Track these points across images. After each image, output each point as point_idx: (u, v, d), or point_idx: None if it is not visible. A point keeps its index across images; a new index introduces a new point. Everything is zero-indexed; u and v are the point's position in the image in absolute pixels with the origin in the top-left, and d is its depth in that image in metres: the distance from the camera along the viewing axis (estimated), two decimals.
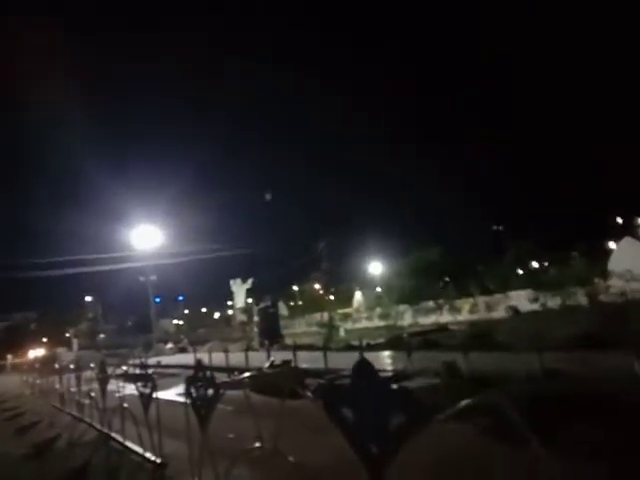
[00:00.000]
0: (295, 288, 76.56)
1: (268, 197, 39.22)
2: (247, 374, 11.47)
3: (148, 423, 6.59)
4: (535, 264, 43.17)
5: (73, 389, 11.59)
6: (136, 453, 7.07)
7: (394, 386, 2.19)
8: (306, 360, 14.73)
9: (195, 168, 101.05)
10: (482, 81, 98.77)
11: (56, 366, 12.15)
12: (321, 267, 54.80)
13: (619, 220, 44.25)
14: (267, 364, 12.66)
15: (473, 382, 8.76)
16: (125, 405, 7.65)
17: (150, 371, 21.84)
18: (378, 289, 57.63)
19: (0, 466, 7.31)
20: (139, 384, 7.01)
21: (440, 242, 41.45)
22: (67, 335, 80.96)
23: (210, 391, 4.91)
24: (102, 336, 78.78)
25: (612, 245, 37.38)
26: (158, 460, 6.31)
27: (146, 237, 39.82)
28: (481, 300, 39.87)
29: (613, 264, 30.51)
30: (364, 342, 21.65)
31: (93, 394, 9.54)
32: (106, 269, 41.30)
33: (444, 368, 9.43)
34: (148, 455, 6.64)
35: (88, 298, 78.14)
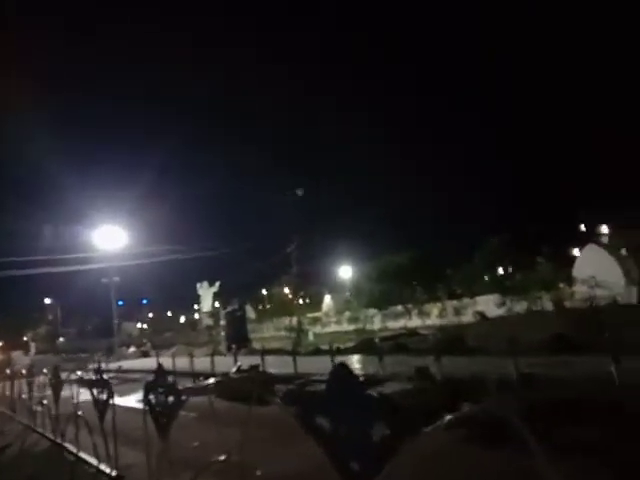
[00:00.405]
0: (264, 292, 75.78)
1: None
2: (212, 380, 11.00)
3: (104, 432, 6.10)
4: (501, 270, 43.95)
5: (24, 395, 10.85)
6: (90, 464, 6.54)
7: (376, 395, 1.97)
8: (274, 365, 14.32)
9: (160, 167, 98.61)
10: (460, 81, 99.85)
11: (7, 371, 11.37)
12: (291, 270, 54.31)
13: (582, 227, 45.45)
14: (234, 369, 12.19)
15: (445, 387, 8.58)
16: (79, 413, 7.09)
17: (110, 376, 20.92)
18: (347, 293, 57.58)
19: None
20: (95, 390, 6.49)
21: (411, 245, 41.72)
22: (25, 339, 77.86)
23: (171, 398, 4.49)
24: (62, 340, 76.00)
25: (576, 252, 38.32)
26: (114, 473, 5.82)
27: (109, 237, 38.56)
28: (449, 305, 40.24)
29: (577, 270, 31.24)
30: (334, 346, 21.43)
31: (45, 401, 8.90)
32: (67, 270, 39.66)
33: (416, 373, 9.20)
34: (103, 467, 6.13)
35: (47, 300, 75.29)
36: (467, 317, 35.95)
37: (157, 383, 4.78)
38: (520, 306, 32.27)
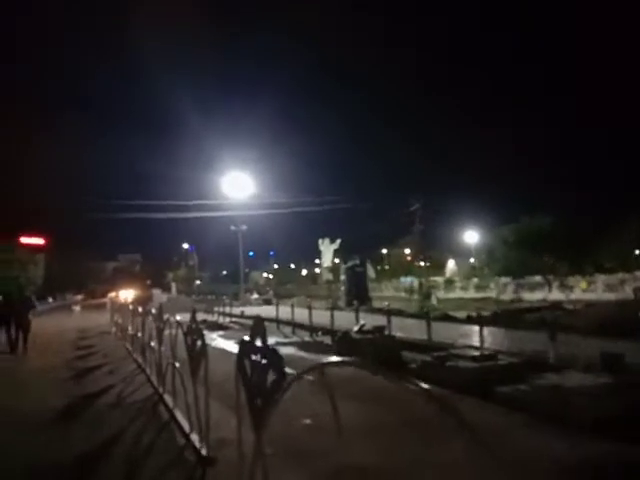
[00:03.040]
0: (384, 251, 74.25)
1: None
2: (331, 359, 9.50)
3: (196, 392, 4.81)
4: None
5: (141, 334, 10.39)
6: (181, 429, 5.38)
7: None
8: (400, 328, 12.52)
9: (289, 115, 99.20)
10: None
11: (140, 309, 11.19)
12: (413, 230, 51.77)
13: None
14: (356, 328, 10.66)
15: None
16: (177, 364, 5.96)
17: (232, 320, 20.52)
18: (472, 260, 53.51)
19: (21, 429, 5.97)
20: (188, 339, 5.22)
21: (549, 212, 36.51)
22: (167, 280, 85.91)
23: (272, 375, 2.84)
24: (198, 282, 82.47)
25: None
26: (203, 451, 4.49)
27: (238, 185, 39.24)
28: (599, 279, 34.95)
29: None
30: (464, 314, 19.02)
31: (153, 343, 8.09)
32: (200, 216, 41.47)
33: (603, 360, 6.74)
34: (193, 438, 4.88)
35: (185, 245, 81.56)
36: (620, 294, 30.74)
37: (255, 346, 3.15)
38: None
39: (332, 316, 13.98)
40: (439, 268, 58.84)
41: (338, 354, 10.42)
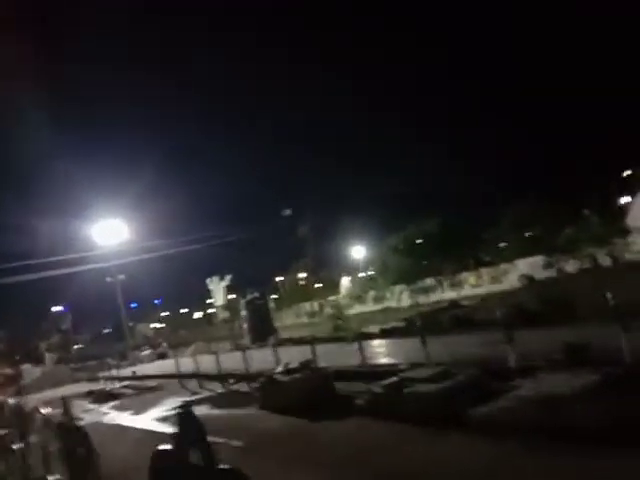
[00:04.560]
0: (279, 279, 73.13)
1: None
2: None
3: None
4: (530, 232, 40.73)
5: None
6: None
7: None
8: (324, 356, 11.18)
9: (160, 156, 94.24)
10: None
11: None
12: (307, 253, 51.46)
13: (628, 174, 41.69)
14: (279, 368, 9.07)
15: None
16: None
17: (123, 384, 17.48)
18: (362, 274, 54.49)
19: None
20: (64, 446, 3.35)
21: (434, 214, 38.15)
22: (40, 351, 75.52)
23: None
24: (76, 347, 73.60)
25: (624, 200, 34.84)
26: None
27: (110, 232, 35.42)
28: (485, 272, 37.02)
29: (633, 219, 27.88)
30: (376, 328, 18.27)
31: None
32: (70, 272, 36.64)
33: (569, 353, 6.02)
34: None
35: (55, 308, 72.64)
36: (507, 284, 32.66)
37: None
38: (570, 266, 29.12)
39: (245, 358, 12.18)
40: (333, 287, 59.04)
41: (263, 405, 8.76)
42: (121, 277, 37.12)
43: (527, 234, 37.82)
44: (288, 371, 8.71)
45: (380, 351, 11.75)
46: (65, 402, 3.48)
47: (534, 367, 6.24)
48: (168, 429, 9.09)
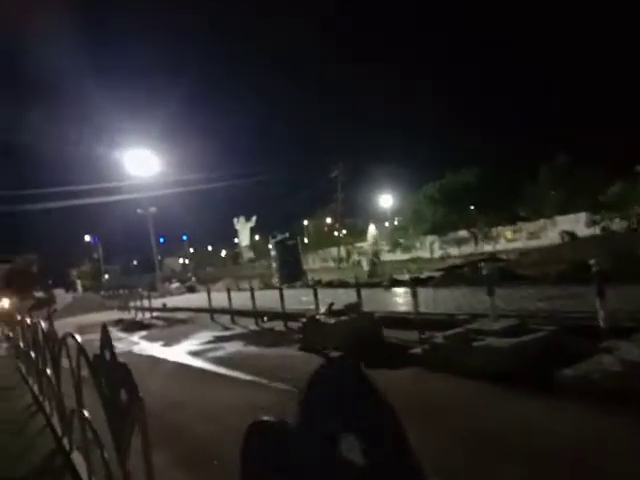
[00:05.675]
0: (305, 223, 72.68)
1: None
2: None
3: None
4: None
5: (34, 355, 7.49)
6: None
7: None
8: (368, 302, 10.55)
9: (192, 86, 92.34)
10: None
11: (28, 320, 8.23)
12: (335, 197, 50.37)
13: None
14: (323, 310, 8.52)
15: None
16: (86, 414, 3.47)
17: (153, 315, 17.21)
18: (386, 223, 53.43)
19: None
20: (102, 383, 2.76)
21: (472, 165, 36.36)
22: (71, 278, 78.05)
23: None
24: (107, 276, 75.65)
25: None
26: None
27: (142, 163, 34.88)
28: (523, 227, 35.61)
29: None
30: (407, 276, 17.59)
31: (49, 372, 5.38)
32: (102, 202, 36.77)
33: None
34: None
35: (87, 237, 74.22)
36: (544, 240, 31.32)
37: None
38: (616, 225, 27.60)
39: (282, 297, 11.68)
40: (360, 234, 58.37)
41: (304, 346, 8.25)
42: (152, 210, 36.96)
43: (569, 189, 35.96)
44: (332, 312, 8.13)
45: (424, 299, 11.02)
46: (105, 331, 2.86)
47: (627, 328, 5.43)
48: (203, 363, 8.72)
